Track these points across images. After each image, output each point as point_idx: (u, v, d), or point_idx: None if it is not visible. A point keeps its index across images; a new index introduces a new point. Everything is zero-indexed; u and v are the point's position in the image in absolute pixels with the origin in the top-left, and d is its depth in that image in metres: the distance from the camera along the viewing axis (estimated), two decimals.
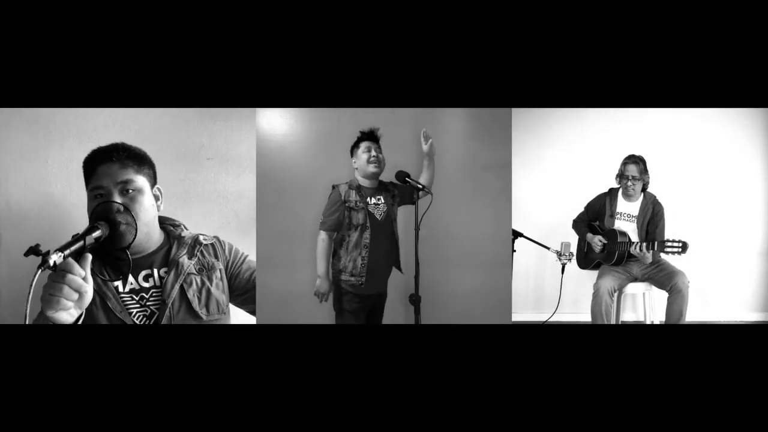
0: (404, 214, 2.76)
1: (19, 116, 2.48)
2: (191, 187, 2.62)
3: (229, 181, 2.66)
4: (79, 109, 2.49)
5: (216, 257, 2.11)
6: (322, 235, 2.58)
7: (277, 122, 3.03)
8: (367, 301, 2.63)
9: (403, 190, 2.68)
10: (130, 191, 1.90)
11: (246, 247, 2.43)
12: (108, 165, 1.90)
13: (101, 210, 1.79)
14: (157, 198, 2.02)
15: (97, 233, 1.66)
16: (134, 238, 1.81)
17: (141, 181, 1.94)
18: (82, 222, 2.47)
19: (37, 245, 1.50)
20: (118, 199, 1.86)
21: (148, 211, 1.95)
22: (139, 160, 1.96)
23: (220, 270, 2.09)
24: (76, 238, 1.58)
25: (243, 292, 2.16)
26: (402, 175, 2.52)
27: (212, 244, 2.13)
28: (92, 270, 1.82)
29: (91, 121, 2.52)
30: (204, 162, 2.62)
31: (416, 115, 3.11)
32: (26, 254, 1.48)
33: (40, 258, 1.46)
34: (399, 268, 2.73)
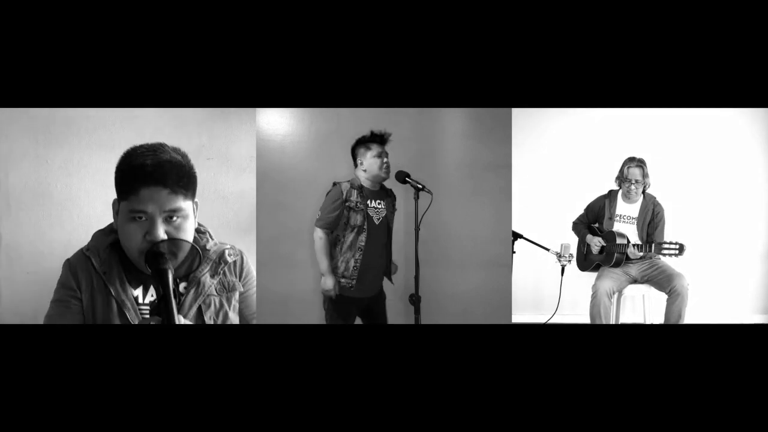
0: (404, 214, 2.76)
1: (19, 116, 2.49)
2: None
3: (229, 181, 2.66)
4: (79, 109, 2.49)
5: (238, 276, 1.95)
6: (320, 233, 2.53)
7: (277, 122, 3.03)
8: (358, 304, 2.60)
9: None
10: (176, 219, 1.71)
11: (246, 247, 2.43)
12: (156, 190, 1.67)
13: (151, 260, 1.64)
14: (194, 213, 1.84)
15: (171, 279, 1.58)
16: (186, 257, 1.71)
17: (188, 206, 1.75)
18: (82, 221, 2.48)
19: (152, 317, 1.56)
20: (161, 227, 1.69)
21: (188, 234, 1.77)
22: (189, 183, 1.75)
23: (240, 292, 1.95)
24: (169, 301, 1.52)
25: None
26: (402, 175, 2.51)
27: (235, 262, 1.96)
28: (111, 277, 1.79)
29: (91, 121, 2.53)
30: (204, 162, 2.62)
31: (416, 115, 3.11)
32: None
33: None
34: (389, 278, 2.72)
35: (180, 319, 1.53)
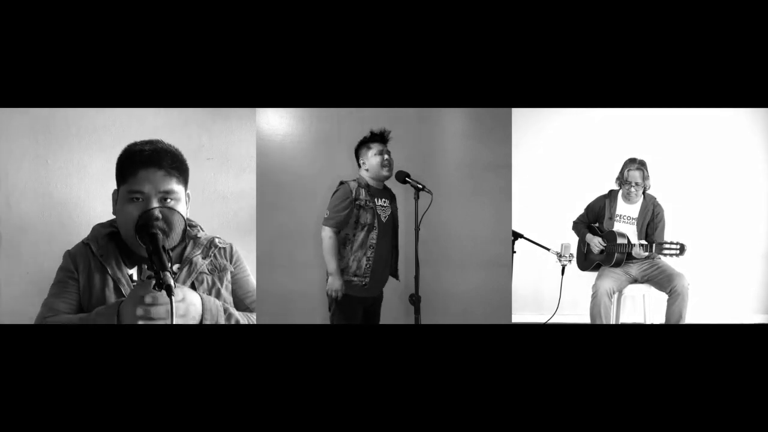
0: (404, 214, 2.76)
1: (19, 116, 2.49)
2: (191, 187, 2.62)
3: (229, 181, 2.66)
4: (79, 109, 2.49)
5: (228, 260, 2.09)
6: (329, 232, 2.49)
7: (277, 122, 3.03)
8: (365, 303, 2.60)
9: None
10: (170, 201, 1.89)
11: (246, 247, 2.42)
12: (152, 171, 1.87)
13: (143, 223, 1.76)
14: (185, 203, 2.01)
15: (159, 241, 1.69)
16: (180, 237, 1.84)
17: (180, 191, 1.94)
18: (82, 221, 2.48)
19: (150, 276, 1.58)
20: (156, 205, 1.85)
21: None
22: (182, 169, 1.96)
23: (231, 272, 2.08)
24: (159, 254, 1.61)
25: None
26: (402, 175, 2.51)
27: (226, 248, 2.11)
28: (108, 259, 1.92)
29: (91, 121, 2.53)
30: (204, 162, 2.62)
31: (416, 115, 3.11)
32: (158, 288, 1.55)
33: (163, 286, 1.52)
34: (396, 276, 2.71)
35: (172, 270, 1.61)
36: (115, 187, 1.97)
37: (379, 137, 2.59)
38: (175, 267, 1.97)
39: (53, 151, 2.52)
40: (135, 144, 1.95)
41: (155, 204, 1.85)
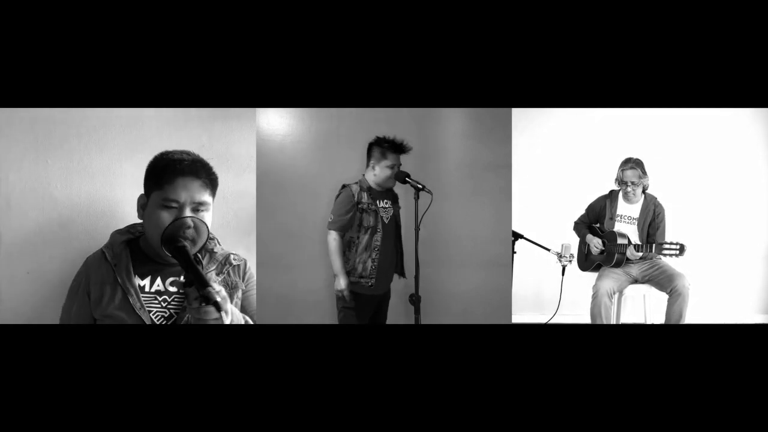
0: (404, 214, 2.76)
1: (19, 116, 2.48)
2: None
3: (229, 181, 2.65)
4: (79, 109, 2.48)
5: (241, 278, 2.11)
6: (334, 235, 2.56)
7: (277, 122, 3.03)
8: (373, 302, 2.64)
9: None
10: (202, 212, 1.91)
11: (246, 247, 2.42)
12: (190, 180, 1.90)
13: (170, 233, 1.75)
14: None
15: (191, 254, 1.70)
16: (204, 243, 1.83)
17: (210, 203, 1.97)
18: (82, 221, 2.48)
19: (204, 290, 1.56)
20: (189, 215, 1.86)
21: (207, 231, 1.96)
22: (215, 182, 2.00)
23: (242, 290, 2.09)
24: (194, 268, 1.60)
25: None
26: (402, 175, 2.52)
27: (240, 265, 2.12)
28: (119, 268, 1.94)
29: (91, 121, 2.52)
30: None
31: (416, 115, 3.11)
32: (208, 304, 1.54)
33: (212, 302, 1.52)
34: (402, 274, 2.73)
35: (212, 278, 1.62)
36: (142, 192, 1.98)
37: (399, 149, 2.59)
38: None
39: (53, 151, 2.51)
40: (172, 153, 1.97)
41: (188, 213, 1.86)
